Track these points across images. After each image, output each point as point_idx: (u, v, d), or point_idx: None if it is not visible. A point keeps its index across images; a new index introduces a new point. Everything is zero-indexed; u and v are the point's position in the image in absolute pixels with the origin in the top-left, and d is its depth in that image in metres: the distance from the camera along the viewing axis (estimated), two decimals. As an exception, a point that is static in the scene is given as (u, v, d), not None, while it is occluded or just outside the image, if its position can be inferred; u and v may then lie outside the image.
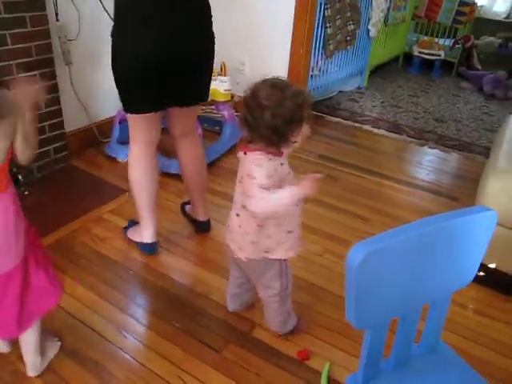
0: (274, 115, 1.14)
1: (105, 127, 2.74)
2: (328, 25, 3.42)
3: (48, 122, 2.36)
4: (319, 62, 3.60)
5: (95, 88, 2.66)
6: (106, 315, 1.60)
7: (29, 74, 2.17)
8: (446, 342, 1.14)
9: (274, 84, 1.19)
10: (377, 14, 4.09)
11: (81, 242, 1.96)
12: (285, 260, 1.40)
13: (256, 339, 1.55)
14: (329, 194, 2.46)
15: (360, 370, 1.02)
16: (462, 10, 5.18)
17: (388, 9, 4.38)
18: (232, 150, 2.86)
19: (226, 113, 2.88)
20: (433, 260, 0.93)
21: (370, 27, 4.12)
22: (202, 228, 2.10)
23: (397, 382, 1.05)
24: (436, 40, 5.39)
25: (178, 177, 2.04)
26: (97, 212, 2.16)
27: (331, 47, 3.58)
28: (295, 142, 1.21)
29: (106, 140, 2.74)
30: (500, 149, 2.04)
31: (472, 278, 1.04)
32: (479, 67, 5.18)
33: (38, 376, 1.37)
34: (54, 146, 2.43)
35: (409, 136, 3.44)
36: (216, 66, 2.82)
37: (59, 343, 1.45)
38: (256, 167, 1.20)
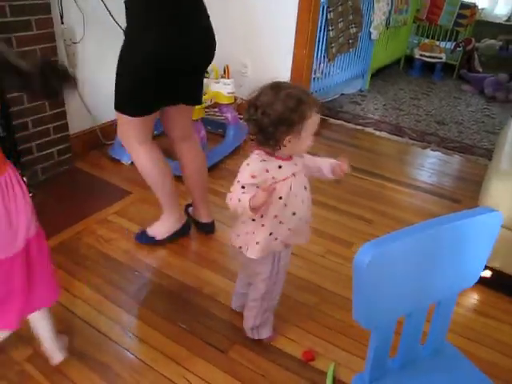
0: (262, 114, 1.17)
1: (108, 129, 2.75)
2: (330, 28, 3.44)
3: (52, 125, 2.38)
4: (321, 64, 3.62)
5: (99, 90, 2.66)
6: (112, 316, 1.61)
7: (34, 76, 2.19)
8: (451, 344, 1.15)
9: (274, 85, 1.21)
10: (379, 17, 4.11)
11: (86, 244, 1.97)
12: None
13: (261, 340, 1.55)
14: (331, 195, 2.47)
15: (366, 370, 1.03)
16: (463, 12, 5.20)
17: (390, 12, 4.40)
18: (235, 152, 2.87)
19: (229, 115, 2.90)
20: (438, 260, 0.94)
21: (371, 30, 4.14)
22: (205, 229, 2.11)
23: (403, 382, 1.05)
24: (437, 43, 5.41)
25: (179, 178, 2.05)
26: (101, 214, 2.17)
27: (333, 50, 3.60)
28: (298, 145, 1.22)
29: (109, 142, 2.76)
30: (502, 151, 2.05)
31: (477, 278, 1.05)
32: (480, 70, 5.20)
33: (46, 377, 1.38)
34: (58, 148, 2.45)
35: (411, 138, 3.46)
36: (219, 69, 2.85)
37: (66, 337, 1.46)
38: (244, 165, 1.24)
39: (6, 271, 1.15)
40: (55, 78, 1.09)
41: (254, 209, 1.18)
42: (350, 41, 3.82)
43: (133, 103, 1.68)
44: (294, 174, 1.28)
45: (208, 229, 2.11)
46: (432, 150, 3.30)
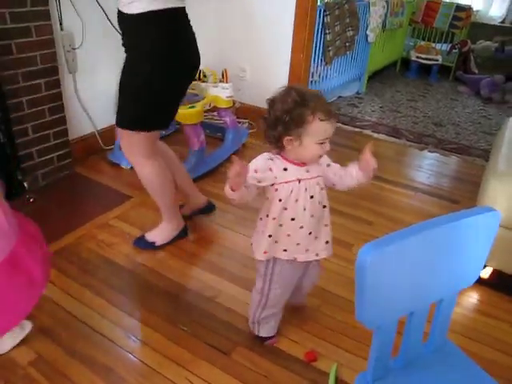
0: (267, 112, 1.23)
1: (107, 134, 2.77)
2: (327, 31, 3.47)
3: (52, 130, 2.39)
4: (319, 67, 3.65)
5: (99, 96, 2.69)
6: (114, 320, 1.62)
7: (33, 82, 2.20)
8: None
9: (289, 86, 1.24)
10: (375, 20, 4.14)
11: (87, 248, 1.97)
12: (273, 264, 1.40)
13: (263, 343, 1.56)
14: (331, 198, 2.45)
15: (369, 369, 1.04)
16: (459, 15, 5.24)
17: (385, 14, 4.44)
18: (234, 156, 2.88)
19: (228, 119, 2.91)
20: (439, 260, 0.96)
21: (368, 33, 4.17)
22: (210, 209, 2.22)
23: (405, 380, 1.06)
24: (433, 45, 5.45)
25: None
26: (102, 218, 2.18)
27: (331, 53, 3.63)
28: (301, 151, 1.23)
29: (109, 147, 2.77)
30: (500, 152, 2.07)
31: (477, 277, 1.06)
32: (476, 71, 5.24)
33: (50, 380, 1.38)
34: (58, 153, 2.45)
35: (408, 140, 3.48)
36: (217, 73, 2.87)
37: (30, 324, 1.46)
38: (253, 159, 1.27)
39: None
40: None
41: (230, 188, 1.20)
42: (347, 44, 3.85)
43: (158, 117, 1.69)
44: (298, 180, 1.27)
45: (211, 207, 2.22)
46: (429, 151, 3.32)
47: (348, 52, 3.95)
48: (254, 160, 1.26)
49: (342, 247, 2.09)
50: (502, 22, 6.15)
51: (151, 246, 1.99)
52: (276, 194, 1.29)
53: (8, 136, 2.15)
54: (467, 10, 5.35)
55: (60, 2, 2.29)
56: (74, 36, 2.43)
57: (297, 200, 1.29)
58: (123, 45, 1.64)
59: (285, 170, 1.27)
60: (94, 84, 2.64)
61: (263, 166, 1.25)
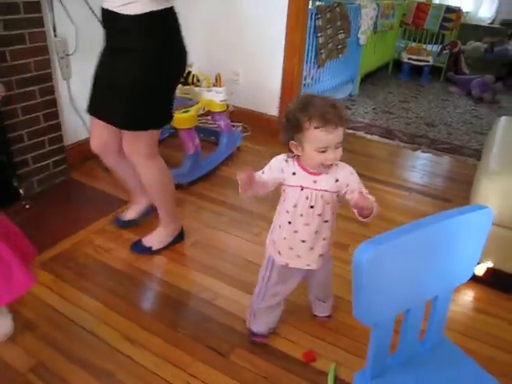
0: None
1: (103, 140, 2.76)
2: (319, 34, 3.50)
3: (47, 136, 2.39)
4: (311, 70, 3.67)
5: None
6: (112, 324, 1.62)
7: (28, 89, 2.21)
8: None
9: (309, 93, 1.28)
10: (366, 23, 4.18)
11: (84, 254, 1.98)
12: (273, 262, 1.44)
13: (262, 343, 1.58)
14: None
15: (367, 367, 1.05)
16: (449, 16, 5.31)
17: (376, 17, 4.48)
18: (229, 159, 2.90)
19: (222, 123, 2.93)
20: (434, 257, 0.98)
21: (359, 35, 4.21)
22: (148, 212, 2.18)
23: (403, 377, 1.08)
24: (424, 46, 5.51)
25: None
26: (99, 223, 2.18)
27: (323, 56, 3.66)
28: (304, 157, 1.26)
29: (104, 152, 2.77)
30: (491, 151, 2.10)
31: (471, 273, 1.08)
32: (467, 72, 5.30)
33: (50, 386, 1.39)
34: (54, 159, 2.46)
35: (401, 141, 3.51)
36: (211, 78, 2.89)
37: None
38: (274, 157, 1.34)
39: None
40: None
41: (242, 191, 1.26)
42: (339, 46, 3.88)
43: (161, 114, 1.75)
44: (301, 187, 1.29)
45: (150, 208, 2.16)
46: (422, 151, 3.36)
47: (340, 55, 3.98)
48: (274, 158, 1.33)
49: (338, 248, 2.10)
50: (491, 23, 6.23)
51: (148, 251, 1.99)
52: (284, 194, 1.34)
53: (3, 143, 2.16)
54: (457, 11, 5.42)
55: (53, 9, 2.29)
56: (68, 42, 2.44)
57: (295, 205, 1.31)
58: (113, 45, 1.63)
59: (293, 174, 1.30)
60: (88, 90, 2.63)
61: (277, 166, 1.31)
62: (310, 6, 3.27)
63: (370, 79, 5.12)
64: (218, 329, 1.63)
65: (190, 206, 2.40)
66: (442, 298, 1.09)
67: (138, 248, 2.00)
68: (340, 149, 1.23)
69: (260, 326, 1.57)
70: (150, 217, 2.16)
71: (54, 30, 2.35)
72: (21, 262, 1.21)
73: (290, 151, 1.28)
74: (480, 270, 1.89)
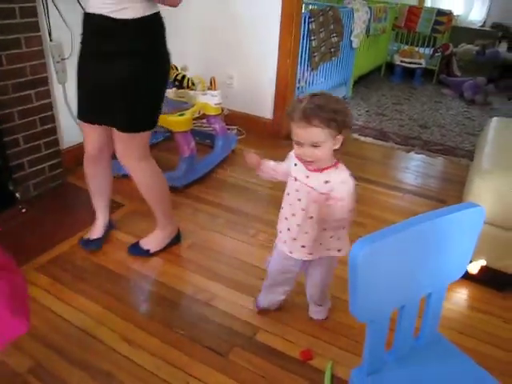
0: None
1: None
2: (312, 37, 3.53)
3: (43, 140, 2.39)
4: (305, 73, 3.70)
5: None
6: (110, 326, 1.63)
7: (24, 93, 2.22)
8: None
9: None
10: (359, 26, 4.22)
11: (81, 257, 1.98)
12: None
13: (260, 343, 1.59)
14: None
15: (364, 363, 1.07)
16: (440, 19, 5.37)
17: (369, 20, 4.52)
18: (224, 162, 2.92)
19: (217, 126, 2.95)
20: (428, 253, 1.00)
21: (352, 38, 4.25)
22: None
23: (399, 374, 1.10)
24: (416, 49, 5.56)
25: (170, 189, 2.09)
26: (95, 226, 2.19)
27: (316, 59, 3.69)
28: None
29: (99, 156, 2.78)
30: (483, 151, 2.13)
31: (464, 270, 1.10)
32: (459, 74, 5.36)
33: (49, 388, 1.39)
34: (50, 163, 2.46)
35: (395, 143, 3.55)
36: (205, 81, 2.91)
37: None
38: None
39: None
40: None
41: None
42: (332, 50, 3.92)
43: (154, 116, 1.78)
44: (295, 179, 1.36)
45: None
46: (416, 153, 3.39)
47: (333, 58, 4.02)
48: None
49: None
50: (482, 25, 6.31)
51: (146, 253, 2.00)
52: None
53: (-1, 147, 2.16)
54: (448, 14, 5.48)
55: (49, 14, 2.31)
56: (63, 47, 2.45)
57: (288, 194, 1.40)
58: (105, 50, 1.61)
59: (295, 165, 1.36)
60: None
61: (289, 156, 1.40)
62: (303, 10, 3.30)
63: (363, 82, 5.16)
64: (216, 329, 1.65)
65: (186, 209, 2.42)
66: (436, 294, 1.11)
67: (136, 251, 2.01)
68: (320, 149, 1.23)
69: (263, 300, 1.70)
70: (147, 220, 2.17)
71: (50, 35, 2.36)
72: (9, 304, 0.99)
73: None
74: (474, 269, 1.92)
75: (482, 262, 1.90)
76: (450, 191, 2.77)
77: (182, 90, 2.80)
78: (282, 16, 3.10)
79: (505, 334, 1.72)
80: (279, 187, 1.50)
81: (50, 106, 2.38)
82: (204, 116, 2.95)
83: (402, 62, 5.43)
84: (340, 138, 1.25)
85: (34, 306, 1.68)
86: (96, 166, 1.90)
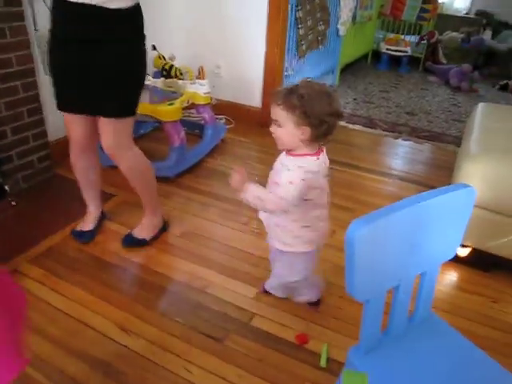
0: None
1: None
2: (300, 26, 3.53)
3: (31, 132, 2.37)
4: (293, 62, 3.70)
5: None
6: (107, 315, 1.63)
7: (10, 84, 2.18)
8: (435, 315, 1.23)
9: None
10: (345, 14, 4.22)
11: (74, 248, 1.98)
12: None
13: (256, 328, 1.61)
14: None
15: (361, 342, 1.10)
16: (426, 7, 5.39)
17: (355, 8, 4.52)
18: (214, 151, 2.92)
19: (206, 115, 2.94)
20: (422, 233, 1.02)
21: (339, 26, 4.25)
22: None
23: (395, 351, 1.12)
24: (402, 37, 5.58)
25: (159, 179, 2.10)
26: (87, 217, 2.18)
27: (304, 47, 3.69)
28: None
29: (88, 147, 2.75)
30: (471, 137, 2.16)
31: (456, 249, 1.13)
32: (444, 61, 5.41)
33: (49, 379, 1.39)
34: (38, 155, 2.44)
35: (383, 130, 3.58)
36: (193, 71, 2.90)
37: None
38: None
39: None
40: None
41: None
42: (319, 38, 3.92)
43: (139, 98, 1.79)
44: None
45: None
46: (404, 139, 3.43)
47: (321, 46, 4.02)
48: None
49: (326, 234, 2.16)
50: (467, 13, 6.35)
51: (142, 242, 2.01)
52: None
53: (-14, 139, 2.14)
54: (434, 2, 5.50)
55: (33, 3, 2.26)
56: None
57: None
58: (92, 38, 1.59)
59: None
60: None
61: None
62: (290, -2, 3.29)
63: (349, 70, 5.18)
64: (212, 316, 1.66)
65: (178, 198, 2.42)
66: (430, 273, 1.14)
67: (132, 241, 2.01)
68: (281, 129, 1.27)
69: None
70: (138, 209, 2.17)
71: (35, 24, 2.32)
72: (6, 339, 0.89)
73: None
74: (463, 251, 1.96)
75: (472, 245, 1.94)
76: (438, 176, 2.81)
77: (171, 80, 2.79)
78: (269, 4, 3.09)
79: (493, 313, 1.77)
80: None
81: (37, 97, 2.35)
82: (192, 106, 2.94)
83: (388, 49, 5.45)
84: (306, 129, 1.24)
85: (28, 299, 1.66)
86: (83, 157, 1.89)
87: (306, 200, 1.34)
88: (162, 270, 1.89)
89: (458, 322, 1.67)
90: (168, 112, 2.50)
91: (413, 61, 5.51)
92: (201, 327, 1.61)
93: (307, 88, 1.25)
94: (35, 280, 1.77)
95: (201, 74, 2.93)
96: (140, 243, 2.00)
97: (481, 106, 2.62)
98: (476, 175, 1.85)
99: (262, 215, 1.50)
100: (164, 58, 2.83)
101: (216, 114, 3.17)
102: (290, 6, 3.27)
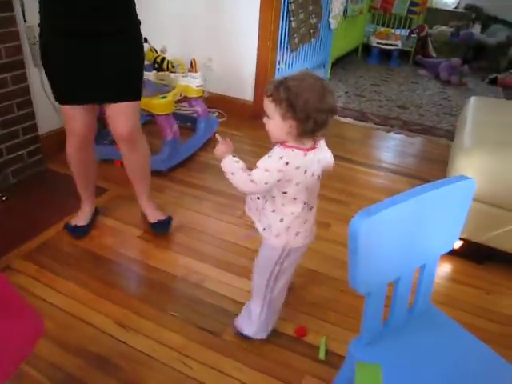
0: None
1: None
2: (292, 19, 3.51)
3: (21, 126, 2.32)
4: (285, 55, 3.68)
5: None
6: (103, 311, 1.62)
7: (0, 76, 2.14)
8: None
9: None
10: (337, 7, 4.21)
11: (68, 242, 1.95)
12: None
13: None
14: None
15: (362, 334, 1.10)
16: (415, 1, 5.40)
17: (347, 1, 4.52)
18: (207, 144, 2.90)
19: (199, 108, 2.92)
20: (423, 225, 1.03)
21: (330, 20, 4.24)
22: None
23: (395, 343, 1.13)
24: (392, 30, 5.59)
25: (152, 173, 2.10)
26: (80, 212, 2.15)
27: (296, 40, 3.67)
28: None
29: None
30: (464, 130, 2.18)
31: (456, 240, 1.14)
32: (434, 55, 5.43)
33: (47, 377, 1.37)
34: (29, 149, 2.39)
35: (375, 123, 3.59)
36: (185, 63, 2.87)
37: None
38: None
39: None
40: None
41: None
42: (311, 31, 3.91)
43: None
44: None
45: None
46: (396, 132, 3.44)
47: (312, 39, 4.01)
48: None
49: (320, 227, 2.14)
50: (456, 7, 6.38)
51: (169, 220, 2.07)
52: None
53: (-25, 133, 2.09)
54: (423, -5, 5.52)
55: (21, -7, 2.22)
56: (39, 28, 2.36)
57: None
58: (102, 29, 1.60)
59: None
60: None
61: None
62: (282, -10, 3.27)
63: (340, 64, 5.17)
64: (209, 310, 1.66)
65: (172, 192, 2.40)
66: (430, 265, 1.15)
67: (162, 226, 2.04)
68: (270, 121, 1.22)
69: (266, 325, 1.55)
70: (132, 204, 2.15)
71: (24, 16, 2.27)
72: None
73: None
74: (457, 244, 1.98)
75: (465, 237, 1.95)
76: (431, 170, 2.83)
77: (163, 73, 2.76)
78: (261, -4, 3.07)
79: (488, 304, 1.79)
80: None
81: (27, 90, 2.31)
82: (184, 99, 2.91)
83: (378, 43, 5.46)
84: (293, 123, 1.18)
85: (22, 295, 1.64)
86: (83, 150, 1.87)
87: (283, 193, 1.28)
88: (158, 264, 1.87)
89: (453, 314, 1.65)
90: (160, 105, 2.47)
91: (403, 54, 5.53)
92: (198, 321, 1.60)
93: (298, 80, 1.19)
94: (29, 276, 1.75)
95: (193, 67, 2.90)
96: (168, 222, 2.06)
97: (473, 99, 2.64)
98: (470, 168, 1.86)
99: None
100: (156, 50, 2.80)
101: (208, 108, 3.15)
102: (282, -2, 3.26)
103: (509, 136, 2.01)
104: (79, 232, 1.98)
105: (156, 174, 2.36)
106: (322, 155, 1.31)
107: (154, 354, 1.47)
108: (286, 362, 1.47)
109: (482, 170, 1.83)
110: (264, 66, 3.29)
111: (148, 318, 1.60)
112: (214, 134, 3.05)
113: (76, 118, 1.77)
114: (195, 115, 2.99)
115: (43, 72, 2.44)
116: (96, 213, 2.10)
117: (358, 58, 5.70)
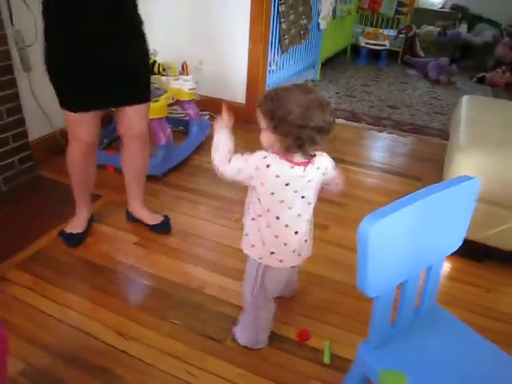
0: None
1: (67, 133, 2.66)
2: (282, 20, 3.51)
3: (11, 132, 2.28)
4: (276, 56, 3.68)
5: (55, 94, 2.58)
6: (103, 321, 1.58)
7: (-12, 82, 2.10)
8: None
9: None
10: (326, 8, 4.22)
11: (62, 251, 1.91)
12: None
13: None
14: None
15: (370, 337, 1.09)
16: (403, 1, 5.44)
17: (335, 2, 4.53)
18: (200, 148, 2.87)
19: (191, 111, 2.90)
20: (431, 227, 1.02)
21: (320, 21, 4.25)
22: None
23: (404, 345, 1.12)
24: (381, 31, 5.62)
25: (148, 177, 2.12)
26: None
27: (287, 41, 3.67)
28: None
29: (70, 147, 2.67)
30: (459, 129, 2.18)
31: (461, 241, 1.14)
32: (422, 55, 5.47)
33: (43, 386, 1.34)
34: (19, 156, 2.35)
35: (367, 123, 3.59)
36: (176, 66, 2.84)
37: None
38: None
39: None
40: None
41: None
42: (302, 32, 3.91)
43: None
44: None
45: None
46: (388, 132, 3.45)
47: (303, 40, 4.01)
48: None
49: (318, 229, 2.13)
50: (442, 7, 6.44)
51: (167, 219, 2.10)
52: None
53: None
54: (410, -4, 5.56)
55: (9, -3, 2.18)
56: (27, 32, 2.32)
57: None
58: (117, 30, 1.61)
59: None
60: (49, 82, 2.53)
61: None
62: (272, -8, 3.25)
63: (329, 64, 5.18)
64: (211, 316, 1.63)
65: (167, 197, 2.37)
66: (436, 266, 1.14)
67: (163, 226, 2.07)
68: (262, 133, 1.19)
69: (259, 335, 1.52)
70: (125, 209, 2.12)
71: (11, 20, 2.22)
72: None
73: None
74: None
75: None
76: (423, 168, 2.84)
77: (154, 76, 2.73)
78: (252, -2, 3.05)
79: (488, 302, 1.79)
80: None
81: (16, 96, 2.26)
82: (176, 102, 2.88)
83: (367, 43, 5.48)
84: (277, 137, 1.14)
85: (18, 306, 1.62)
86: (88, 158, 1.86)
87: (258, 199, 1.25)
88: (156, 271, 1.84)
89: (455, 313, 1.63)
90: (154, 109, 2.42)
91: (391, 54, 5.56)
92: (201, 329, 1.57)
93: (287, 93, 1.14)
94: (24, 286, 1.70)
95: (184, 70, 2.88)
96: (169, 222, 2.09)
97: (465, 98, 2.65)
98: (468, 167, 1.86)
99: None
100: (147, 53, 2.77)
101: (199, 111, 3.12)
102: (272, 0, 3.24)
103: (505, 134, 2.02)
104: (75, 240, 1.94)
105: (150, 178, 2.32)
106: (306, 173, 1.21)
107: (157, 362, 1.44)
108: (291, 366, 1.46)
109: (480, 169, 1.83)
110: (256, 68, 3.27)
111: (149, 327, 1.57)
112: (207, 137, 3.03)
113: (84, 125, 1.71)
114: (187, 118, 2.96)
115: (32, 77, 2.42)
116: (91, 219, 2.06)
117: (347, 58, 5.72)
